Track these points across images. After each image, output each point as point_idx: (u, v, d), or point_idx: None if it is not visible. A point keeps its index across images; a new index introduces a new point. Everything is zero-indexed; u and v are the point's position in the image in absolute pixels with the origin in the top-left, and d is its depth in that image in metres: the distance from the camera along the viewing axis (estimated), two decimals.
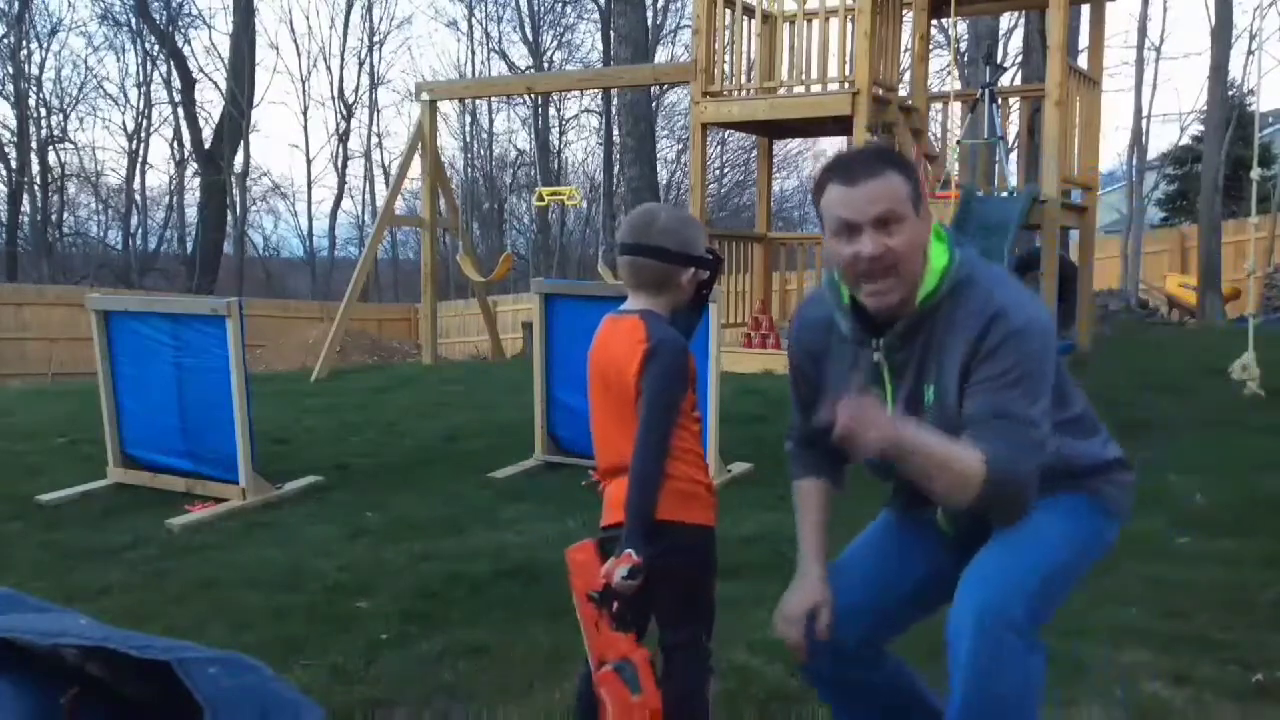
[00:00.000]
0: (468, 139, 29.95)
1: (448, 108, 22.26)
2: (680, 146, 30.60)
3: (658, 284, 2.26)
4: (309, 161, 39.27)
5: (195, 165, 30.74)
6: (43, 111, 29.66)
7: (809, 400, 2.13)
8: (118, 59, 50.66)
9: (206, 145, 29.79)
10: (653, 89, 20.99)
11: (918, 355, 1.92)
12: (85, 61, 41.61)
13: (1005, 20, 19.42)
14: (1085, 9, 9.24)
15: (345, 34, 34.09)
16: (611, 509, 2.23)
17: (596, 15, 29.73)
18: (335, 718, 2.63)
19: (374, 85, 34.04)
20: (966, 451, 1.77)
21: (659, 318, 2.24)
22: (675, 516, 2.18)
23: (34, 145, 28.91)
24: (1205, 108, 15.58)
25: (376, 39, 33.45)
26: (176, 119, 30.92)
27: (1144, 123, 17.51)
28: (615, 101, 23.25)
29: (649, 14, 24.75)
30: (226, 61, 29.25)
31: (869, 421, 1.65)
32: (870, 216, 1.85)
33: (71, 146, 31.43)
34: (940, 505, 2.01)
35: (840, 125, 8.84)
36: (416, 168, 11.14)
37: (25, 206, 28.93)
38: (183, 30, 30.70)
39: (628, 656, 2.13)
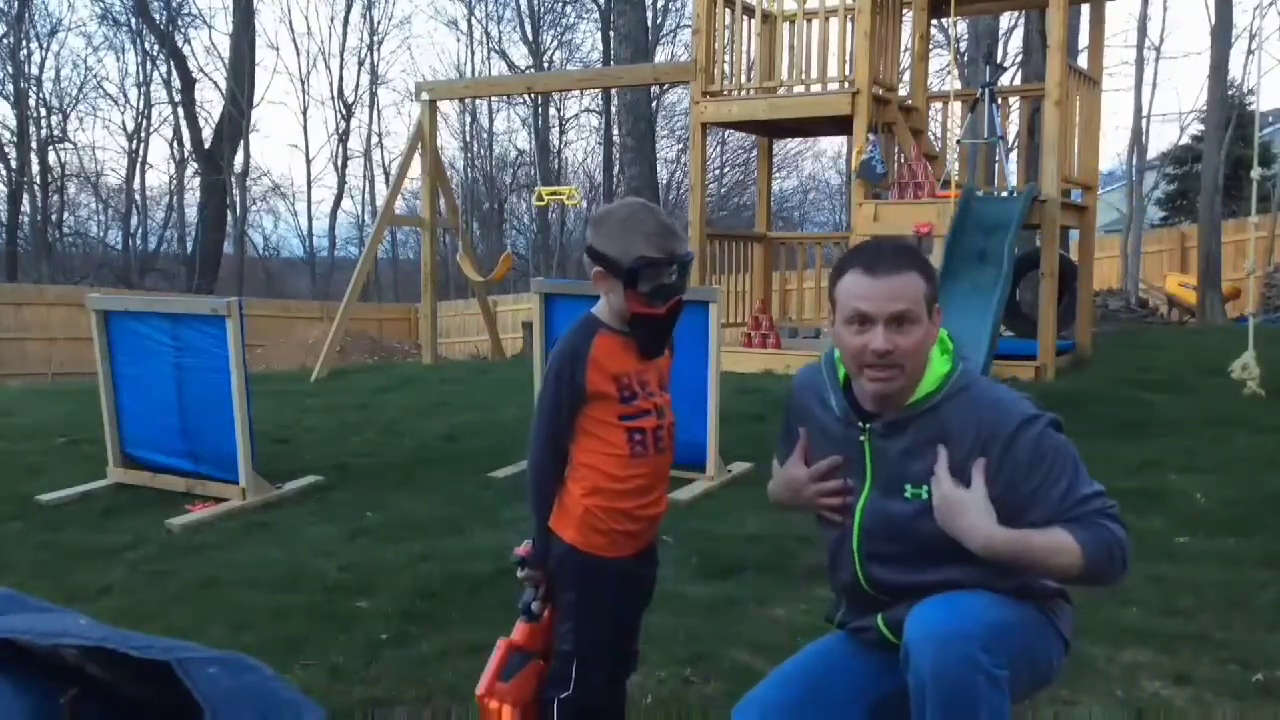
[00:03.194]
0: (468, 139, 30.08)
1: (448, 107, 22.33)
2: (680, 146, 30.62)
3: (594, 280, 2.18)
4: (309, 161, 39.47)
5: (195, 165, 30.78)
6: (43, 111, 29.74)
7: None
8: (118, 59, 50.92)
9: (206, 145, 29.80)
10: (653, 89, 21.00)
11: (903, 448, 1.92)
12: (85, 61, 41.82)
13: (1005, 20, 19.44)
14: (1085, 9, 9.23)
15: (345, 34, 34.18)
16: None
17: (596, 15, 29.75)
18: (335, 718, 2.63)
19: (374, 85, 34.12)
20: (1064, 538, 1.81)
21: (591, 319, 2.18)
22: (555, 526, 2.18)
23: (34, 145, 28.92)
24: (1205, 107, 15.57)
25: (376, 38, 33.50)
26: (176, 119, 30.99)
27: (1144, 122, 17.52)
28: (615, 101, 23.28)
29: (649, 14, 24.75)
30: (226, 61, 29.26)
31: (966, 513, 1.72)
32: (887, 313, 1.87)
33: (71, 146, 31.55)
34: (881, 614, 1.98)
35: (840, 125, 8.85)
36: (416, 167, 11.14)
37: (25, 206, 28.97)
38: (183, 30, 30.78)
39: (500, 639, 2.19)
